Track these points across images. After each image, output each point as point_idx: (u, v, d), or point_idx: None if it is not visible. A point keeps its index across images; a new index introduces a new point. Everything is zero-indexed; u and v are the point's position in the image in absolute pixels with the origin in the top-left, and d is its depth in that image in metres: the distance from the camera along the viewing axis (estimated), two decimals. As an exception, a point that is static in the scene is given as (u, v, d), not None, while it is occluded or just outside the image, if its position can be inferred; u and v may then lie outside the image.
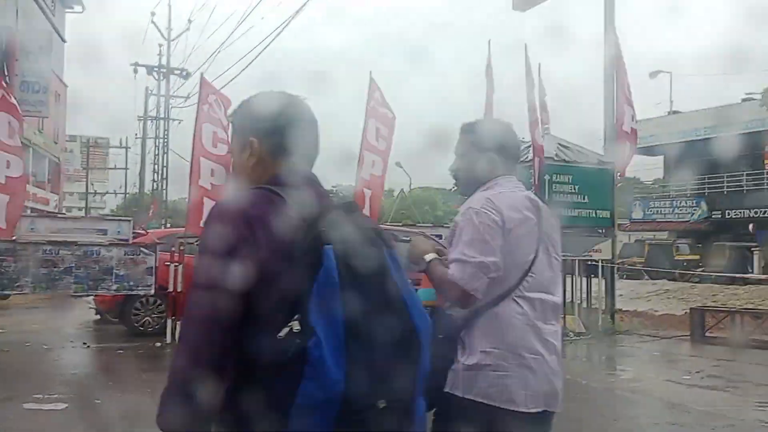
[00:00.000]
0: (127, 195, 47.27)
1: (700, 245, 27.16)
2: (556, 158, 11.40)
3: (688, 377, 8.28)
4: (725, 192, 28.15)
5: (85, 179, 45.02)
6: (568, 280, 11.66)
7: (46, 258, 9.13)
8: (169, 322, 9.33)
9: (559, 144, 11.93)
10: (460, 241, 2.24)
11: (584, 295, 11.76)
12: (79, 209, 46.74)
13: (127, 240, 10.51)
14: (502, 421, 2.18)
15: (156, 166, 32.32)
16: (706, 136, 27.92)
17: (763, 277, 19.39)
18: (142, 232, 12.48)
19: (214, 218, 1.46)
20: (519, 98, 11.04)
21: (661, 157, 32.68)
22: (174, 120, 32.11)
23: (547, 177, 10.95)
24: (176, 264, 9.32)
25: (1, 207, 8.00)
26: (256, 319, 1.34)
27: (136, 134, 36.68)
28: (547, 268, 2.32)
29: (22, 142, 8.90)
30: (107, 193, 55.77)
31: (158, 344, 9.09)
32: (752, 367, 9.07)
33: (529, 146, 10.61)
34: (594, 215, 11.72)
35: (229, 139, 1.70)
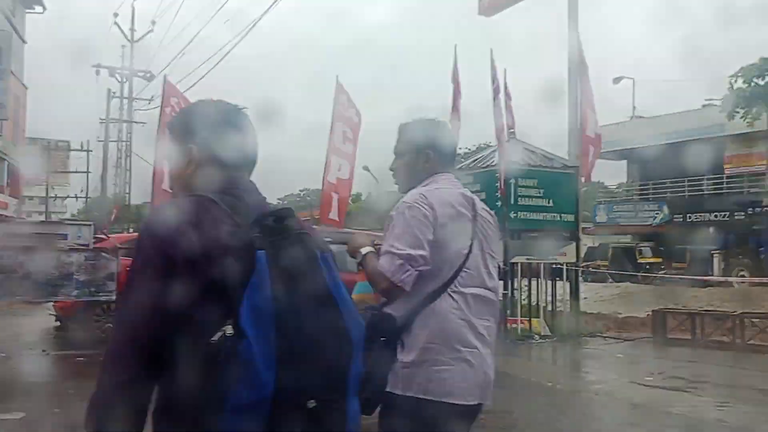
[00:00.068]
0: (89, 199, 46.41)
1: (662, 248, 27.66)
2: (521, 162, 11.50)
3: (650, 378, 8.40)
4: (686, 196, 28.69)
5: (45, 183, 44.07)
6: (534, 283, 11.79)
7: (4, 263, 8.90)
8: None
9: (525, 148, 12.03)
10: (392, 234, 2.29)
11: (549, 298, 11.87)
12: (40, 213, 45.73)
13: (87, 245, 10.30)
14: (442, 415, 2.23)
15: (118, 170, 31.85)
16: (668, 142, 28.47)
17: (723, 279, 19.82)
18: (104, 236, 12.24)
19: (148, 225, 1.50)
20: (485, 103, 11.13)
21: (625, 162, 33.22)
22: (137, 123, 31.68)
23: (512, 181, 11.03)
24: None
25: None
26: (189, 324, 1.35)
27: (98, 137, 36.09)
28: (482, 264, 2.39)
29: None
30: (68, 197, 54.66)
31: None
32: (712, 367, 9.24)
33: (495, 150, 10.67)
34: (559, 219, 11.83)
35: (168, 147, 1.72)
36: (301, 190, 58.99)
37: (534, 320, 11.46)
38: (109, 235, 13.05)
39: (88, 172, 44.47)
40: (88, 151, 43.25)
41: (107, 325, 9.94)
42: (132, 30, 31.12)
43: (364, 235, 2.54)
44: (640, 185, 31.07)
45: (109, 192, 33.99)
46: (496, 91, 11.00)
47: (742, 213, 23.02)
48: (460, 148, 14.37)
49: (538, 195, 11.51)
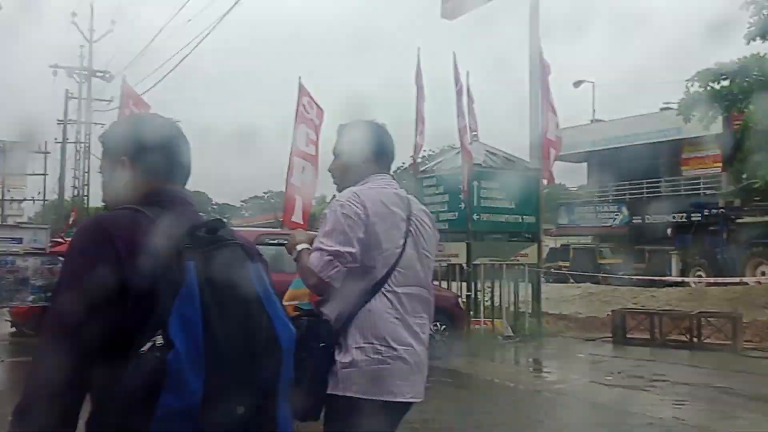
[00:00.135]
0: (46, 202, 45.37)
1: (622, 249, 28.10)
2: (483, 165, 11.59)
3: (610, 377, 8.53)
4: (645, 198, 29.22)
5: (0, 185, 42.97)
6: (496, 284, 11.88)
7: (-44, 268, 8.64)
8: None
9: (487, 151, 12.14)
10: (322, 231, 2.34)
11: (512, 299, 11.97)
12: (-5, 217, 44.55)
13: (44, 249, 10.06)
14: (383, 413, 2.27)
15: (77, 172, 31.22)
16: (627, 144, 29.00)
17: (680, 279, 20.23)
18: (61, 240, 12.00)
19: (77, 237, 1.51)
20: (448, 106, 11.18)
21: (585, 164, 33.70)
22: (96, 124, 31.05)
23: (475, 183, 11.11)
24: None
25: None
26: (119, 336, 1.36)
27: (55, 138, 35.29)
28: (417, 263, 2.43)
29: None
30: (25, 199, 53.34)
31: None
32: (670, 366, 9.41)
33: (458, 152, 10.73)
34: (521, 221, 11.95)
35: (101, 160, 1.74)
36: (264, 192, 58.61)
37: (497, 321, 11.55)
38: (67, 239, 12.79)
39: (45, 174, 43.50)
40: (45, 153, 42.31)
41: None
42: (91, 30, 30.48)
43: (303, 233, 2.56)
44: (600, 187, 31.55)
45: (67, 194, 33.27)
46: (459, 94, 11.08)
47: (699, 214, 23.50)
48: (424, 150, 14.41)
49: (500, 197, 11.61)
